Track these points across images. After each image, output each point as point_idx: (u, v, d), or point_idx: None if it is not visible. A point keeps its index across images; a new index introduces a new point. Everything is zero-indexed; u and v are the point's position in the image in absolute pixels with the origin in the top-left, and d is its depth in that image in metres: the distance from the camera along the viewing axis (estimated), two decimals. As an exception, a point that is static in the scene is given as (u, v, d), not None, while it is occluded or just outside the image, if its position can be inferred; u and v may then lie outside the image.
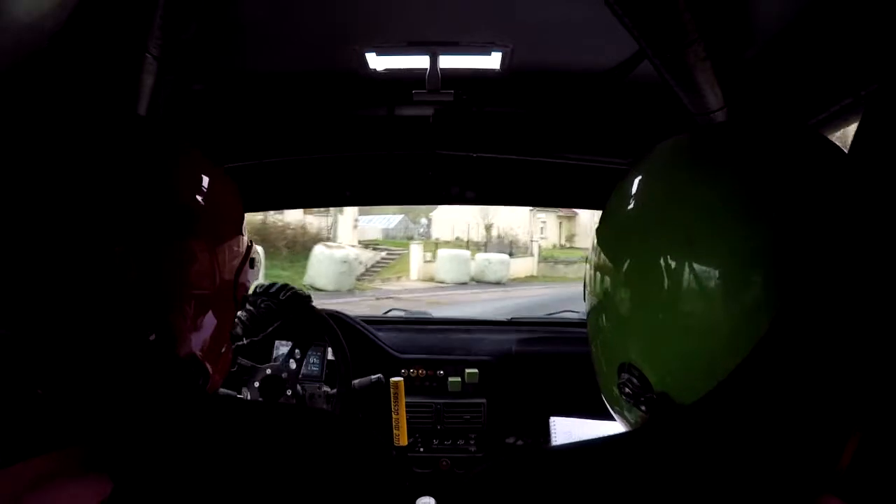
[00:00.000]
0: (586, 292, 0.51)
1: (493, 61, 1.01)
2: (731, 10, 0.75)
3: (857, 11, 0.67)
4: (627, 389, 0.43)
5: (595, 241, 0.49)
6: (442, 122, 1.21)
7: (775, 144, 0.42)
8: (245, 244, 0.59)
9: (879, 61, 0.70)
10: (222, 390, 1.24)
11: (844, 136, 0.82)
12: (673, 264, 0.39)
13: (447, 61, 1.02)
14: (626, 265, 0.43)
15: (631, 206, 0.45)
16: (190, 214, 0.50)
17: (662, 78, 0.80)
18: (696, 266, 0.39)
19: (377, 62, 1.03)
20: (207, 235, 0.52)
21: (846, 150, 0.42)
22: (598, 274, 0.47)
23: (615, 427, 0.52)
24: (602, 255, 0.47)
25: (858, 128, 0.32)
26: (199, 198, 0.52)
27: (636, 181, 0.46)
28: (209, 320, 0.54)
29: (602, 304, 0.46)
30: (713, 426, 0.36)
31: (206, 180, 0.53)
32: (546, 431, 1.50)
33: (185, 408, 0.45)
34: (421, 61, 1.02)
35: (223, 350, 0.58)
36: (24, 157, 0.44)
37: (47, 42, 0.45)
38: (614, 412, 0.51)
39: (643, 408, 0.43)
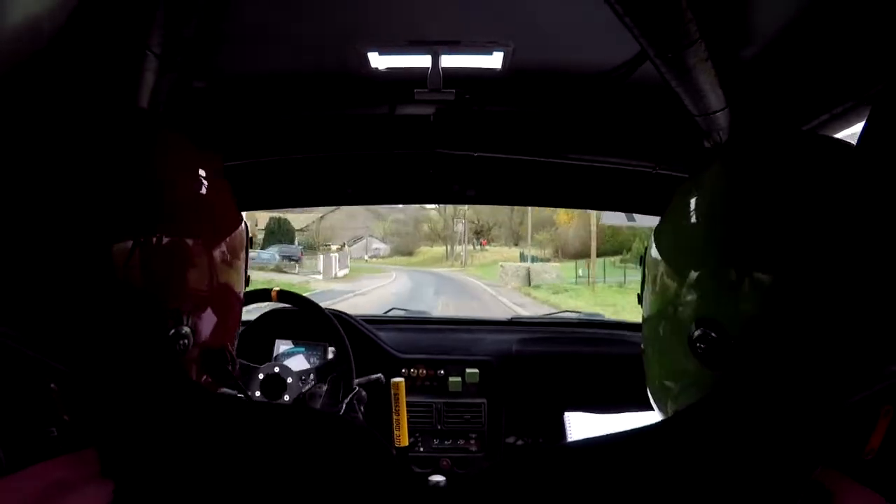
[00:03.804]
0: (646, 285, 0.54)
1: (494, 61, 1.01)
2: (732, 9, 0.75)
3: (859, 11, 0.67)
4: (701, 345, 0.45)
5: (654, 247, 0.53)
6: (443, 121, 1.21)
7: (819, 160, 0.46)
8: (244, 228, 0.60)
9: (883, 62, 0.69)
10: (223, 390, 1.24)
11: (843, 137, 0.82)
12: (733, 276, 0.44)
13: (448, 60, 1.01)
14: (693, 273, 0.47)
15: (693, 220, 0.50)
16: (192, 205, 0.51)
17: (664, 78, 0.79)
18: (755, 274, 0.43)
19: (378, 61, 1.02)
20: (211, 221, 0.53)
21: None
22: (662, 276, 0.51)
23: (632, 420, 0.53)
24: (666, 261, 0.51)
25: (863, 130, 0.32)
26: (199, 190, 0.53)
27: (696, 195, 0.50)
28: (223, 307, 0.54)
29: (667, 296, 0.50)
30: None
31: (202, 174, 0.53)
32: (545, 431, 1.50)
33: (188, 409, 0.45)
34: (422, 60, 1.01)
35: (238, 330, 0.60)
36: (21, 157, 0.44)
37: (47, 41, 0.44)
38: (659, 406, 0.53)
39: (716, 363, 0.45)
